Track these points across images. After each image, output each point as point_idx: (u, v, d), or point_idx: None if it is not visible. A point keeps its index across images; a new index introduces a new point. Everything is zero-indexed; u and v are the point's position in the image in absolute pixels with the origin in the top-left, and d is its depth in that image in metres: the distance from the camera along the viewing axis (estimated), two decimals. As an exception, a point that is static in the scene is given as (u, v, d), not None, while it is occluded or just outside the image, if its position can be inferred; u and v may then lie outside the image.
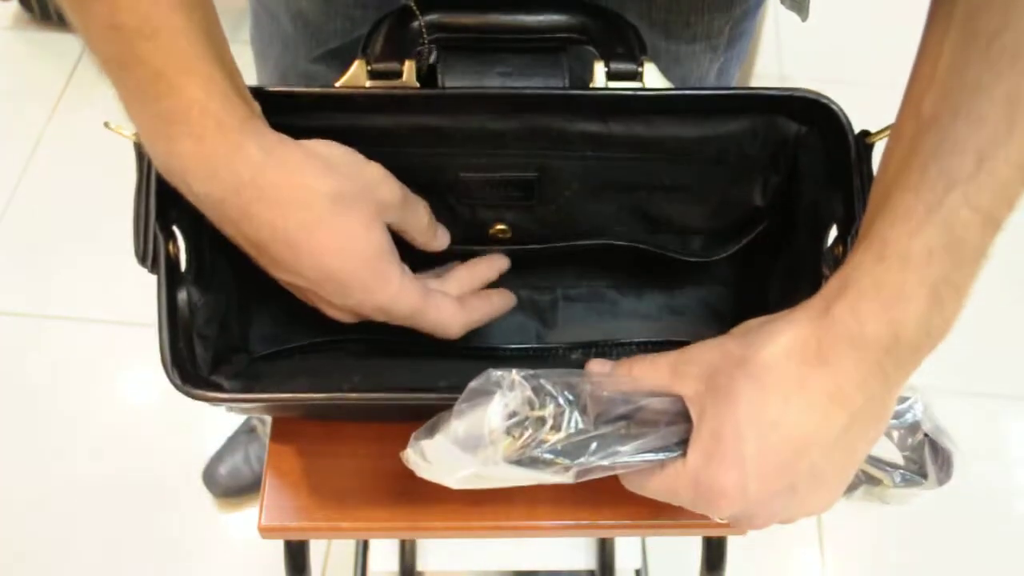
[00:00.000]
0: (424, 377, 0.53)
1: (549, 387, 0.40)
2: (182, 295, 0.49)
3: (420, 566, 0.87)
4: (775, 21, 1.81)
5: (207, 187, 0.43)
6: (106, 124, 0.47)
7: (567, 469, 0.40)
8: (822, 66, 1.79)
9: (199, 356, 0.50)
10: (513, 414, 0.39)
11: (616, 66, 0.51)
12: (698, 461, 0.40)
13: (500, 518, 0.58)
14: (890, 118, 0.43)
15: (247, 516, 1.30)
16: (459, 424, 0.40)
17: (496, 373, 0.40)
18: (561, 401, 0.40)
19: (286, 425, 0.61)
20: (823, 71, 1.78)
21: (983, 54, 0.37)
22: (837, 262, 0.49)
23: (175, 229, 0.49)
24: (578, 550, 0.88)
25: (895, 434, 0.45)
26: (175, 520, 1.29)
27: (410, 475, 0.59)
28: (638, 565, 0.94)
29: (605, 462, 0.41)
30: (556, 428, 0.40)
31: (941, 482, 0.47)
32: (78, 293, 1.49)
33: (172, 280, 0.47)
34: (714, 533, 0.64)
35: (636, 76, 0.51)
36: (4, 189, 1.61)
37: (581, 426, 0.40)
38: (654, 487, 0.43)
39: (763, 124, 0.52)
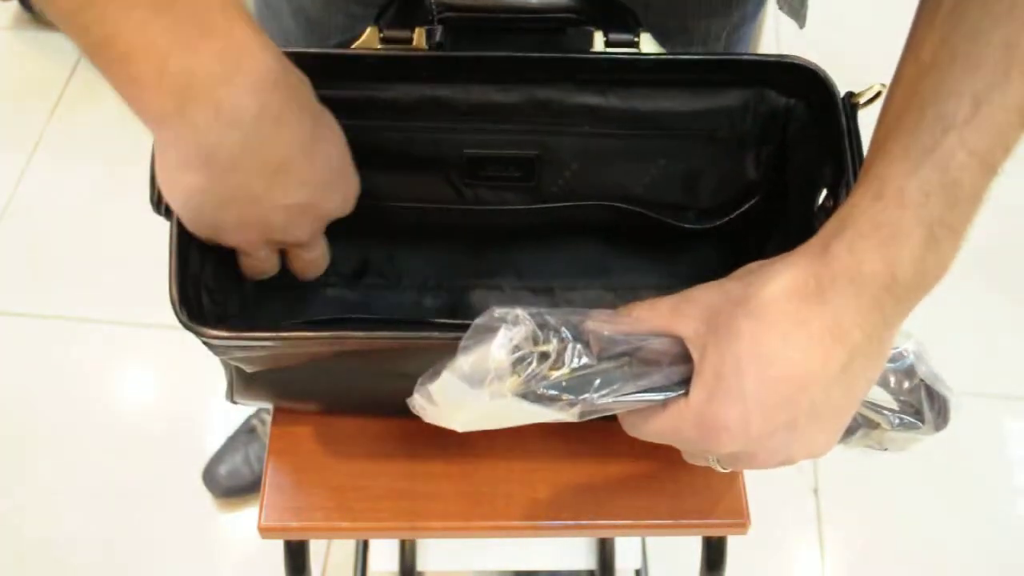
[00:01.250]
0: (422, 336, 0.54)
1: (553, 323, 0.41)
2: (193, 250, 0.48)
3: (420, 566, 0.87)
4: (775, 21, 1.81)
5: (241, 77, 0.40)
6: None
7: (572, 405, 0.40)
8: (822, 66, 1.78)
9: (206, 307, 0.50)
10: (517, 348, 0.40)
11: (614, 36, 0.52)
12: (700, 397, 0.41)
13: (500, 518, 0.58)
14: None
15: (247, 516, 1.30)
16: (465, 359, 0.40)
17: (500, 310, 0.40)
18: (565, 336, 0.41)
19: (286, 425, 0.61)
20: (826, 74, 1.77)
21: (982, 2, 0.38)
22: (828, 215, 0.50)
23: None
24: (578, 550, 0.88)
25: (892, 378, 0.45)
26: (175, 520, 1.29)
27: (410, 475, 0.59)
28: (638, 565, 0.94)
29: (609, 399, 0.41)
30: (560, 364, 0.40)
31: (938, 427, 0.47)
32: (78, 293, 1.49)
33: (183, 228, 0.47)
34: (714, 533, 0.64)
35: (634, 45, 0.52)
36: (4, 189, 1.61)
37: (585, 361, 0.41)
38: (656, 426, 0.43)
39: (754, 98, 0.54)
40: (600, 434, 0.60)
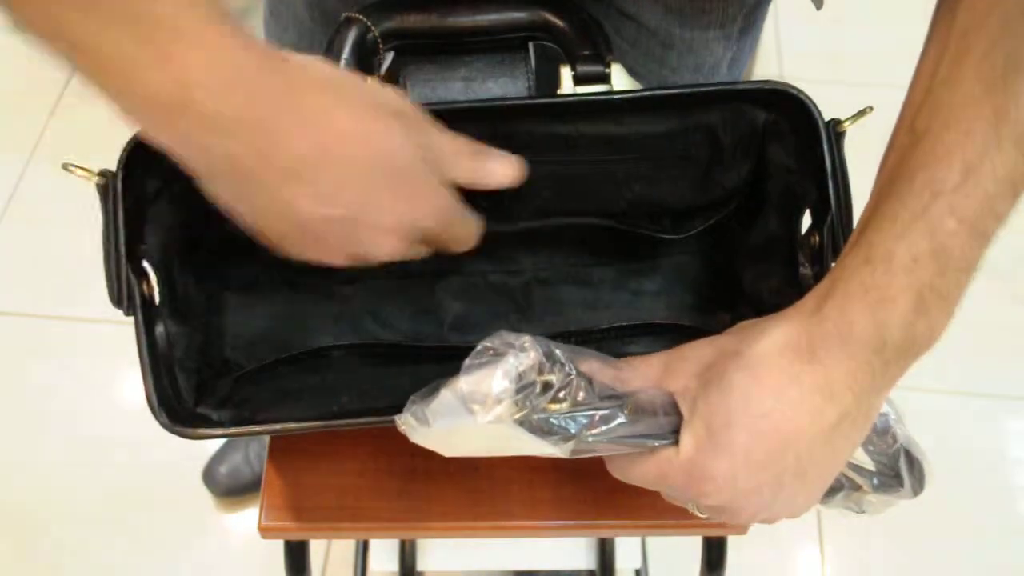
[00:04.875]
0: (412, 384, 0.53)
1: (559, 355, 0.41)
2: (159, 329, 0.48)
3: (420, 566, 0.87)
4: (775, 21, 1.81)
5: (230, 92, 0.36)
6: (65, 166, 0.46)
7: (565, 440, 0.41)
8: (822, 66, 1.79)
9: (183, 388, 0.49)
10: (522, 376, 0.39)
11: (583, 69, 0.50)
12: (690, 448, 0.41)
13: (500, 518, 0.58)
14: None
15: (247, 516, 1.30)
16: (467, 380, 0.40)
17: (509, 334, 0.40)
18: (570, 371, 0.41)
19: (286, 425, 0.61)
20: (823, 71, 1.78)
21: (975, 70, 0.38)
22: (813, 250, 0.50)
23: (146, 265, 0.48)
24: (578, 550, 0.88)
25: (873, 440, 0.46)
26: (175, 520, 1.29)
27: (410, 475, 0.59)
28: (638, 565, 0.94)
29: (602, 440, 0.41)
30: (560, 397, 0.40)
31: (915, 492, 0.48)
32: (78, 293, 1.49)
33: (149, 319, 0.47)
34: (714, 533, 0.64)
35: (604, 78, 0.50)
36: (4, 189, 1.61)
37: (586, 397, 0.41)
38: (643, 471, 0.43)
39: (732, 114, 0.52)
40: (600, 434, 0.60)
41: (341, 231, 0.41)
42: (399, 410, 0.42)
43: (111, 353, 1.43)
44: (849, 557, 1.29)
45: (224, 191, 0.40)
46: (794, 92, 0.49)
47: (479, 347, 0.40)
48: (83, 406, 1.39)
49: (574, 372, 0.41)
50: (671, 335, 0.60)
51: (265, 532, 0.58)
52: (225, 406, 0.51)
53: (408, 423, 0.42)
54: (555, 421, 0.40)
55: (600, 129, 0.51)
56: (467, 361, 0.40)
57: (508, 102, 0.49)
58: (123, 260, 0.46)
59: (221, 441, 1.32)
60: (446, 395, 0.40)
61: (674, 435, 0.42)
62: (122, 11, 0.35)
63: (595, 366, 0.43)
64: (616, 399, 0.42)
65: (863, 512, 0.50)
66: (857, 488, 0.48)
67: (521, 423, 0.40)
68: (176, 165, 0.45)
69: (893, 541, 1.29)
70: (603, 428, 0.41)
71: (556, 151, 0.52)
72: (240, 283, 0.59)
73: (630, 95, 0.49)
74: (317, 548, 1.25)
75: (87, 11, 0.36)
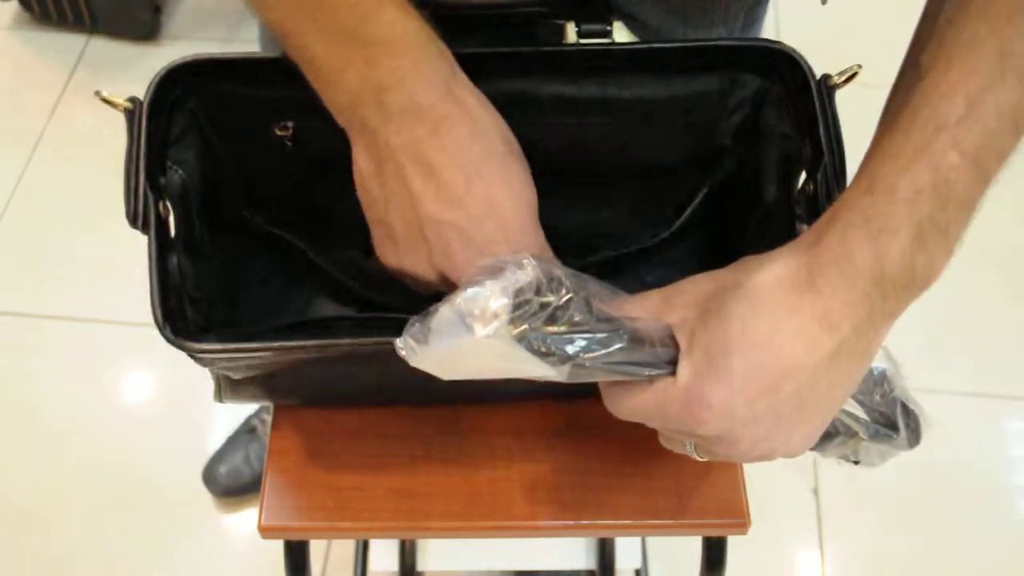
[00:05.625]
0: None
1: (559, 275, 0.41)
2: (172, 260, 0.49)
3: (420, 566, 0.87)
4: (775, 18, 1.81)
5: (409, 97, 0.43)
6: (97, 93, 0.48)
7: (563, 362, 0.40)
8: (822, 66, 1.78)
9: (190, 318, 0.50)
10: (521, 292, 0.39)
11: (587, 27, 0.52)
12: (687, 376, 0.41)
13: (500, 518, 0.58)
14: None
15: (247, 516, 1.30)
16: (465, 296, 0.39)
17: (508, 256, 0.40)
18: (568, 290, 0.40)
19: (287, 425, 0.61)
20: (823, 71, 1.77)
21: (981, 11, 0.39)
22: (808, 201, 0.51)
23: (164, 197, 0.50)
24: (578, 550, 0.88)
25: (869, 388, 0.46)
26: (175, 520, 1.29)
27: (410, 475, 0.59)
28: (638, 565, 0.94)
29: (599, 364, 0.41)
30: (559, 316, 0.40)
31: (911, 443, 0.48)
32: (78, 293, 1.49)
33: (163, 241, 0.48)
34: (714, 533, 0.64)
35: (606, 35, 0.52)
36: (4, 189, 1.61)
37: (584, 318, 0.41)
38: (639, 401, 0.43)
39: (728, 81, 0.53)
40: (600, 434, 0.60)
41: (446, 241, 0.46)
42: (397, 332, 0.43)
43: (111, 353, 1.43)
44: (849, 557, 1.29)
45: (366, 170, 0.46)
46: (787, 50, 0.50)
47: (478, 267, 0.40)
48: (83, 406, 1.39)
49: (573, 293, 0.40)
50: None
51: (265, 532, 0.58)
52: (228, 341, 0.51)
53: (407, 345, 0.41)
54: (552, 341, 0.40)
55: (603, 91, 0.53)
56: (465, 278, 0.40)
57: (512, 49, 0.51)
58: (142, 178, 0.47)
59: (221, 441, 1.32)
60: (445, 312, 0.40)
61: (671, 366, 0.42)
62: (345, 30, 0.43)
63: (596, 292, 0.43)
64: (615, 324, 0.42)
65: (859, 462, 0.50)
66: (853, 435, 0.48)
67: (519, 340, 0.40)
68: (203, 106, 0.51)
69: (893, 541, 1.29)
70: (601, 352, 0.41)
71: (561, 113, 0.53)
72: (253, 262, 0.61)
73: (629, 46, 0.51)
74: (317, 548, 1.25)
75: (317, 25, 0.43)
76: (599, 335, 0.41)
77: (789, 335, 0.40)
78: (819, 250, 0.40)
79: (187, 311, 0.50)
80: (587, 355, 0.41)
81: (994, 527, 1.31)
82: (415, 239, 0.46)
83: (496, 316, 0.39)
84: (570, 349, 0.40)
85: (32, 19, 1.86)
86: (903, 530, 1.29)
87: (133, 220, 0.47)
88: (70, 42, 1.82)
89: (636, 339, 0.42)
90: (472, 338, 0.39)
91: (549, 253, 0.48)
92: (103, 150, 1.61)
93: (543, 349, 0.40)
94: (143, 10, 1.78)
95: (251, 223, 0.59)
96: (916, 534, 1.29)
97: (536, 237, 0.48)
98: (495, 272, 0.40)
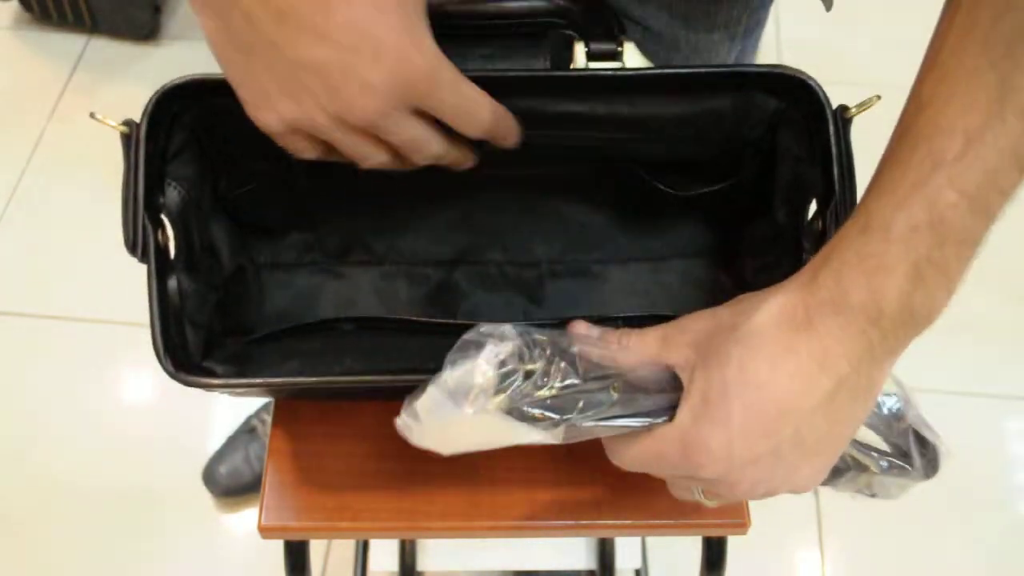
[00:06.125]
0: (414, 356, 0.54)
1: (540, 340, 0.41)
2: (172, 283, 0.49)
3: (420, 566, 0.87)
4: (775, 21, 1.81)
5: None
6: (92, 115, 0.47)
7: (556, 425, 0.40)
8: (822, 66, 1.78)
9: (191, 342, 0.50)
10: (503, 364, 0.40)
11: (596, 46, 0.52)
12: (686, 421, 0.41)
13: (500, 518, 0.58)
14: (890, 118, 0.44)
15: (247, 516, 1.30)
16: (451, 374, 0.40)
17: (487, 326, 0.41)
18: (552, 354, 0.41)
19: (286, 425, 0.61)
20: (823, 71, 1.77)
21: (982, 41, 0.38)
22: (817, 236, 0.50)
23: (163, 217, 0.49)
24: (578, 550, 0.88)
25: (880, 421, 0.46)
26: (175, 520, 1.29)
27: (410, 475, 0.59)
28: (638, 565, 0.94)
29: (593, 422, 0.41)
30: (545, 383, 0.40)
31: (928, 474, 0.48)
32: (78, 293, 1.49)
33: (162, 268, 0.48)
34: (714, 533, 0.64)
35: (616, 56, 0.52)
36: (4, 189, 1.61)
37: (570, 381, 0.41)
38: (639, 450, 0.43)
39: (743, 101, 0.52)
40: (600, 434, 0.60)
41: (325, 80, 0.42)
42: (401, 372, 0.44)
43: (111, 353, 1.43)
44: (849, 557, 1.29)
45: (214, 32, 0.43)
46: (803, 77, 0.49)
47: (460, 341, 0.40)
48: (83, 406, 1.39)
49: (557, 356, 0.41)
50: None
51: (265, 532, 0.58)
52: (230, 363, 0.51)
53: (405, 424, 0.42)
54: (540, 408, 0.40)
55: (613, 109, 0.52)
56: (449, 355, 0.40)
57: (521, 73, 0.50)
58: (140, 206, 0.47)
59: (221, 441, 1.32)
60: (432, 391, 0.40)
61: (669, 412, 0.42)
62: None
63: (589, 343, 0.43)
64: (607, 380, 0.42)
65: (875, 495, 0.50)
66: (864, 469, 0.48)
67: (509, 412, 0.40)
68: (201, 121, 0.50)
69: (893, 541, 1.29)
70: (592, 412, 0.41)
71: (569, 127, 0.53)
72: (261, 260, 0.61)
73: (640, 72, 0.50)
74: (317, 548, 1.25)
75: None
76: (590, 394, 0.41)
77: (786, 376, 0.40)
78: (815, 288, 0.40)
79: (188, 335, 0.50)
80: (580, 416, 0.41)
81: (994, 527, 1.31)
82: (293, 90, 0.43)
83: (483, 391, 0.40)
84: (561, 413, 0.41)
85: (32, 19, 1.85)
86: (903, 530, 1.29)
87: (132, 249, 0.47)
88: (70, 42, 1.82)
89: (630, 389, 0.42)
90: (462, 414, 0.40)
91: (446, 66, 0.44)
92: (103, 150, 1.61)
93: (535, 415, 0.40)
94: (143, 10, 1.78)
95: (256, 208, 0.58)
96: (916, 534, 1.29)
97: (424, 56, 0.43)
98: (478, 346, 0.40)
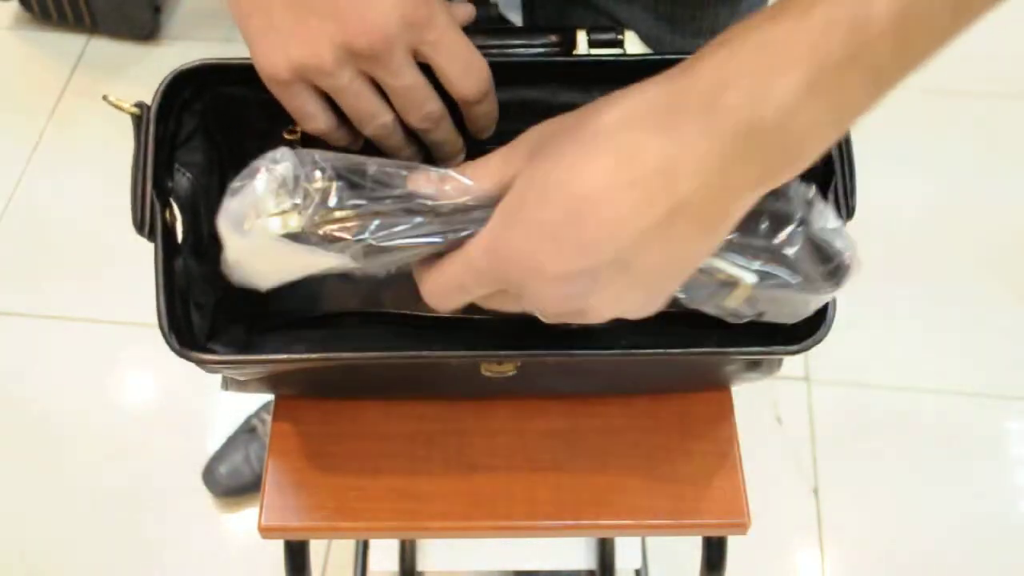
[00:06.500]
0: (422, 343, 0.54)
1: (319, 161, 0.39)
2: (179, 264, 0.49)
3: (420, 566, 0.87)
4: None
5: None
6: (105, 97, 0.47)
7: (349, 247, 0.38)
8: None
9: (196, 325, 0.50)
10: (281, 186, 0.38)
11: (597, 36, 0.52)
12: (497, 225, 0.37)
13: (500, 518, 0.58)
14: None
15: (247, 516, 1.30)
16: (230, 201, 0.38)
17: (274, 151, 0.39)
18: (330, 175, 0.38)
19: (287, 425, 0.61)
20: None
21: None
22: None
23: (171, 201, 0.50)
24: (578, 550, 0.88)
25: (762, 224, 0.39)
26: (175, 520, 1.29)
27: (410, 475, 0.59)
28: (638, 565, 0.94)
29: (391, 242, 0.39)
30: (330, 203, 0.38)
31: (826, 285, 0.40)
32: (78, 293, 1.49)
33: (169, 247, 0.48)
34: (714, 533, 0.64)
35: (617, 43, 0.52)
36: (4, 189, 1.61)
37: (354, 201, 0.38)
38: (449, 273, 0.40)
39: None
40: (600, 434, 0.60)
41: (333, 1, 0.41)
42: (400, 329, 0.43)
43: (111, 353, 1.43)
44: (849, 557, 1.29)
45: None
46: None
47: (246, 168, 0.39)
48: (82, 406, 1.38)
49: (334, 176, 0.38)
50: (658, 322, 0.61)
51: (265, 532, 0.58)
52: (233, 347, 0.52)
53: (225, 265, 0.41)
54: (330, 229, 0.38)
55: None
56: (231, 183, 0.39)
57: (525, 59, 0.51)
58: (149, 185, 0.47)
59: (221, 441, 1.32)
60: (220, 221, 0.39)
61: (479, 223, 0.38)
62: None
63: (423, 181, 0.39)
64: (406, 200, 0.39)
65: (761, 314, 0.42)
66: (733, 284, 0.40)
67: (296, 237, 0.38)
68: (212, 109, 0.50)
69: (893, 541, 1.29)
70: (385, 232, 0.38)
71: None
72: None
73: (643, 57, 0.51)
74: (317, 548, 1.25)
75: None
76: (390, 217, 0.38)
77: (618, 188, 0.34)
78: (688, 78, 0.33)
79: (193, 318, 0.50)
80: (372, 236, 0.38)
81: (994, 527, 1.31)
82: (301, 15, 0.42)
83: (258, 215, 0.38)
84: (350, 234, 0.38)
85: (32, 19, 1.85)
86: (903, 530, 1.29)
87: (140, 227, 0.47)
88: (70, 42, 1.82)
89: (438, 211, 0.39)
90: (245, 241, 0.38)
91: (446, 8, 0.44)
92: (103, 150, 1.61)
93: (326, 236, 0.38)
94: (143, 10, 1.78)
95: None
96: (916, 534, 1.29)
97: None
98: (253, 172, 0.38)
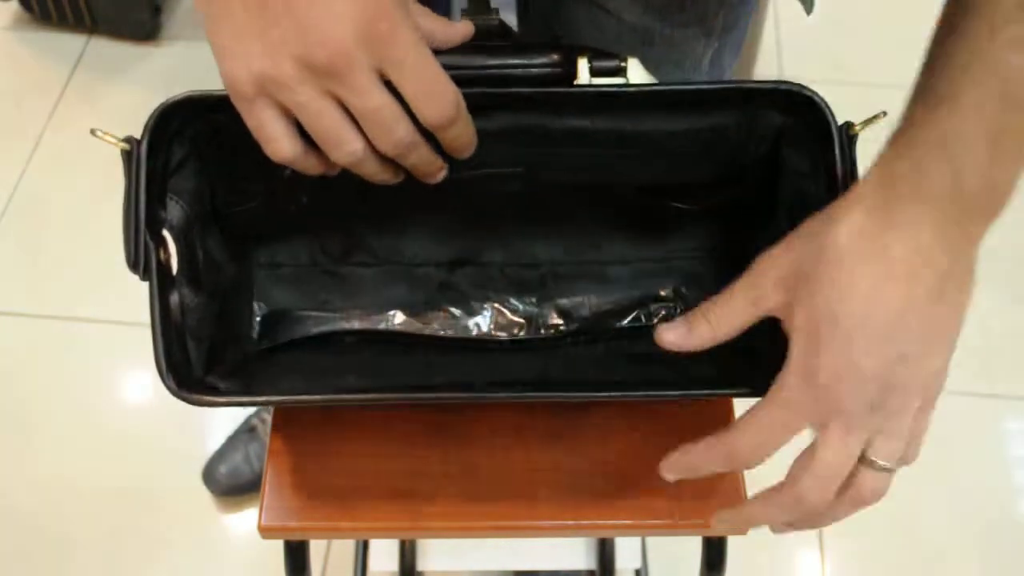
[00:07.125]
0: (419, 371, 0.54)
1: None
2: (174, 298, 0.49)
3: (420, 566, 0.87)
4: (775, 22, 1.81)
5: None
6: (93, 131, 0.47)
7: None
8: (822, 66, 1.79)
9: (192, 357, 0.50)
10: None
11: (599, 64, 0.51)
12: (800, 357, 0.40)
13: (500, 518, 0.58)
14: (893, 119, 0.44)
15: (247, 516, 1.30)
16: None
17: None
18: None
19: (286, 425, 0.61)
20: (823, 71, 1.77)
21: None
22: None
23: (165, 233, 0.49)
24: (578, 550, 0.88)
25: None
26: (175, 520, 1.29)
27: (410, 475, 0.59)
28: (638, 565, 0.94)
29: None
30: None
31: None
32: (78, 293, 1.49)
33: (164, 286, 0.48)
34: (714, 533, 0.64)
35: (620, 71, 0.51)
36: (4, 189, 1.61)
37: None
38: (761, 423, 0.42)
39: (747, 116, 0.52)
40: (600, 434, 0.60)
41: (292, 7, 0.40)
42: (404, 390, 0.43)
43: (111, 353, 1.43)
44: (849, 558, 1.29)
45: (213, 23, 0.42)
46: (808, 93, 0.49)
47: None
48: (82, 406, 1.39)
49: None
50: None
51: (265, 532, 0.58)
52: (233, 377, 0.51)
53: None
54: None
55: (616, 125, 0.52)
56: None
57: (524, 91, 0.50)
58: (142, 225, 0.47)
59: (221, 441, 1.32)
60: None
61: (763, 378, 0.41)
62: None
63: (677, 332, 0.42)
64: None
65: None
66: None
67: None
68: (202, 135, 0.49)
69: (893, 541, 1.29)
70: None
71: (573, 144, 0.52)
72: (262, 261, 0.61)
73: (644, 88, 0.50)
74: (317, 548, 1.25)
75: None
76: None
77: (886, 279, 0.38)
78: (892, 181, 0.38)
79: (190, 352, 0.50)
80: None
81: (995, 528, 1.31)
82: (263, 26, 0.41)
83: None
84: None
85: (32, 19, 1.86)
86: (903, 530, 1.29)
87: (133, 267, 0.47)
88: (70, 43, 1.82)
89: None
90: None
91: (412, 25, 0.43)
92: (103, 150, 1.61)
93: None
94: (143, 10, 1.78)
95: (260, 213, 0.58)
96: (916, 534, 1.29)
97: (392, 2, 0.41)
98: None
